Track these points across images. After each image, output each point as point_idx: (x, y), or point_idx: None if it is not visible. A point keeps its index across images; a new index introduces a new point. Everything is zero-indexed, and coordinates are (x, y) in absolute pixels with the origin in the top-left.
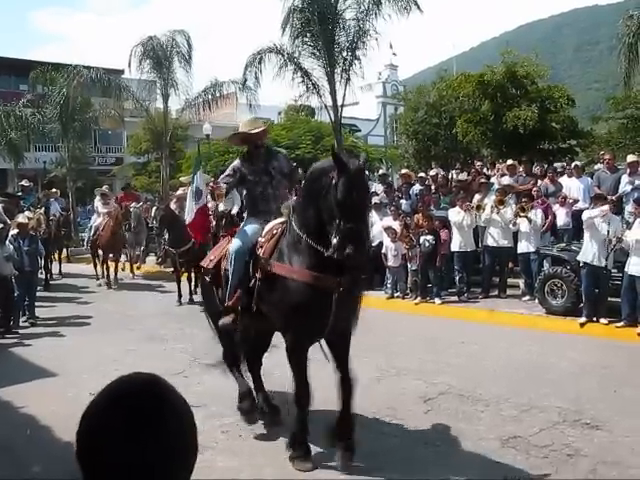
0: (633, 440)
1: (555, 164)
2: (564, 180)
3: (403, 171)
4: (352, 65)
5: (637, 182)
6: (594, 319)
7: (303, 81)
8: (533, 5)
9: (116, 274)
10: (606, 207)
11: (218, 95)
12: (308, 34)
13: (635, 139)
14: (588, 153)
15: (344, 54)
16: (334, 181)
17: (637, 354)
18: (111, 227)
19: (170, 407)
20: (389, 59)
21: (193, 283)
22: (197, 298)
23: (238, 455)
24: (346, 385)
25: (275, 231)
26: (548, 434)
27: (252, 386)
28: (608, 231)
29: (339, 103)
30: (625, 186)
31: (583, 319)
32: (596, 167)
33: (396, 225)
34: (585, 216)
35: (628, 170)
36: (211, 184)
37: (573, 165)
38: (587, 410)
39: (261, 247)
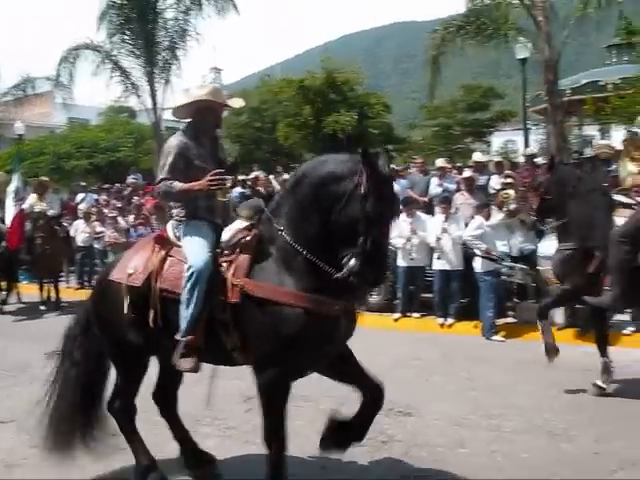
0: (441, 423)
1: None
2: None
3: None
4: (171, 65)
5: (445, 185)
6: (407, 314)
7: (122, 81)
8: (356, 16)
9: None
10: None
11: (31, 93)
12: (127, 32)
13: (446, 145)
14: (405, 158)
15: (164, 54)
16: (362, 189)
17: (446, 345)
18: None
19: None
20: (214, 62)
21: (4, 292)
22: (7, 308)
23: (49, 471)
24: (378, 393)
25: (244, 240)
26: None
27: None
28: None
29: (160, 105)
30: (435, 188)
31: (398, 314)
32: (410, 170)
33: None
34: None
35: (438, 173)
36: (209, 179)
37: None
38: (401, 399)
39: (228, 262)
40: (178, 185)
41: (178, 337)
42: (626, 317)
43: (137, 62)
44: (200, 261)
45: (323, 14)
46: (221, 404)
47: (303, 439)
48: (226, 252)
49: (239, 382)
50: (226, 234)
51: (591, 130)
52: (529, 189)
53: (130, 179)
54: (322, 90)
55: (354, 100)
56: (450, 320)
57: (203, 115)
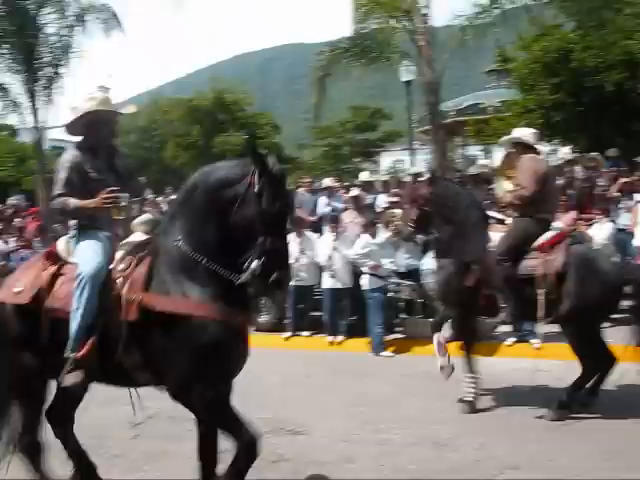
0: (331, 440)
1: None
2: None
3: None
4: (55, 82)
5: (334, 204)
6: (297, 333)
7: (1, 97)
8: (248, 37)
9: None
10: None
11: None
12: (6, 46)
13: (335, 165)
14: (294, 178)
15: (46, 70)
16: (255, 188)
17: (336, 362)
18: None
19: None
20: (104, 81)
21: None
22: None
23: None
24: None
25: (140, 254)
26: None
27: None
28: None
29: (43, 123)
30: (323, 207)
31: (288, 333)
32: (298, 190)
33: None
34: None
35: (326, 193)
36: (103, 197)
37: None
38: (291, 417)
39: (124, 278)
40: (73, 202)
41: (66, 353)
42: (508, 328)
43: (17, 78)
44: (91, 266)
45: (214, 34)
46: (107, 431)
47: (191, 462)
48: (121, 267)
49: (129, 408)
50: (122, 247)
51: (475, 150)
52: (409, 201)
53: (12, 200)
54: (211, 110)
55: (243, 120)
56: (340, 337)
57: (97, 127)
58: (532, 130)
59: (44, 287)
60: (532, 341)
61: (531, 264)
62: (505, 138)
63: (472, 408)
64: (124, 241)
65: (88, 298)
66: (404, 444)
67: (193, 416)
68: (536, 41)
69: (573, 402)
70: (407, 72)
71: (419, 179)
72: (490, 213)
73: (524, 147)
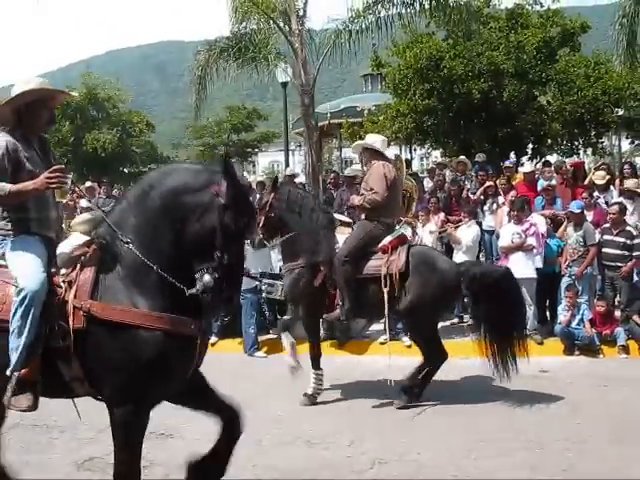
0: (202, 442)
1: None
2: None
3: None
4: None
5: None
6: None
7: None
8: (122, 33)
9: None
10: None
11: None
12: None
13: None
14: None
15: None
16: (221, 200)
17: (209, 363)
18: None
19: None
20: None
21: None
22: None
23: None
24: (237, 421)
25: (84, 257)
26: None
27: None
28: None
29: None
30: None
31: None
32: None
33: None
34: None
35: None
36: (47, 176)
37: None
38: (162, 421)
39: (68, 283)
40: (8, 186)
41: (8, 372)
42: (380, 327)
43: None
44: (34, 282)
45: (87, 27)
46: None
47: (59, 471)
48: (64, 271)
49: None
50: (64, 249)
51: (351, 152)
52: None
53: None
54: (82, 106)
55: (116, 118)
56: (213, 338)
57: (34, 110)
58: (382, 137)
59: None
60: (403, 339)
61: (375, 264)
62: (356, 144)
63: (312, 401)
64: (64, 242)
65: (34, 315)
66: (276, 443)
67: (61, 424)
68: (409, 48)
69: (412, 390)
70: (283, 73)
71: (294, 179)
72: (337, 216)
73: (374, 153)
